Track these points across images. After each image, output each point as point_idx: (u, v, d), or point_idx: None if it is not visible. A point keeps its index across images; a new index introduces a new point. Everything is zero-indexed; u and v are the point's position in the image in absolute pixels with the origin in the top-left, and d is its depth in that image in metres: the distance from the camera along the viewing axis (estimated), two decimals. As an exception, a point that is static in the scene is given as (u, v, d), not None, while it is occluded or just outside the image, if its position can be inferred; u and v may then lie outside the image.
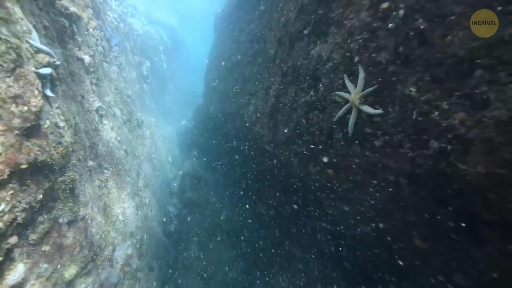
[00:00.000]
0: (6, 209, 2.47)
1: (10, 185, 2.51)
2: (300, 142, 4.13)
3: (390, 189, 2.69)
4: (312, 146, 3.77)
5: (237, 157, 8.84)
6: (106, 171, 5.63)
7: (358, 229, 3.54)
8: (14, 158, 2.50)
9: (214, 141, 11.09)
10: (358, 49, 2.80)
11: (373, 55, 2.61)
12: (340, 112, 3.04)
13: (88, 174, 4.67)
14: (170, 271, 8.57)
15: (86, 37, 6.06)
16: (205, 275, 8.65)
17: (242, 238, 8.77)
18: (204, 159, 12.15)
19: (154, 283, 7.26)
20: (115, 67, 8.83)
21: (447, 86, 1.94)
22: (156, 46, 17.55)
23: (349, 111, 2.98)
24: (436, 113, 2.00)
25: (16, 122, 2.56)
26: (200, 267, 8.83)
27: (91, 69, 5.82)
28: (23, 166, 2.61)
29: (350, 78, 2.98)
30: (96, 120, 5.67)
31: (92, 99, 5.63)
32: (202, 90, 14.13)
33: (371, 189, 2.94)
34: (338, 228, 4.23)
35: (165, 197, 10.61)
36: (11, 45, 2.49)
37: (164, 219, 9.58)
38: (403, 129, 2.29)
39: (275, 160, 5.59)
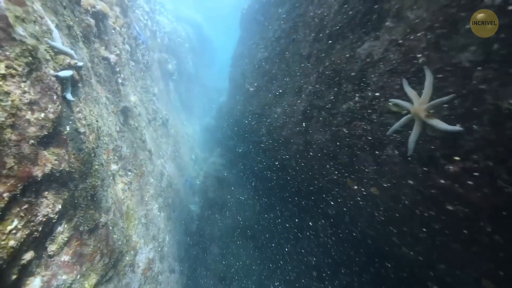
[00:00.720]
0: (20, 225, 2.29)
1: (25, 199, 2.33)
2: (338, 154, 3.61)
3: (460, 227, 2.12)
4: (354, 162, 3.24)
5: (260, 158, 8.45)
6: (129, 173, 5.52)
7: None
8: (29, 170, 2.30)
9: (237, 141, 10.81)
10: (426, 47, 2.23)
11: (449, 54, 2.03)
12: (397, 125, 2.48)
13: (111, 178, 4.54)
14: (191, 272, 8.48)
15: (113, 35, 5.96)
16: (225, 278, 8.46)
17: (263, 242, 8.43)
18: (227, 158, 11.94)
19: (175, 285, 7.17)
20: (142, 65, 8.80)
21: None
22: (183, 44, 17.61)
23: (407, 124, 2.42)
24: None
25: (32, 130, 2.35)
26: (221, 269, 8.66)
27: (117, 69, 5.71)
28: (39, 179, 2.41)
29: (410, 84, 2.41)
30: (121, 121, 5.57)
31: (117, 100, 5.53)
32: (226, 87, 13.90)
33: (433, 222, 2.37)
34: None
35: (187, 196, 10.56)
36: (26, 46, 2.28)
37: (186, 219, 9.51)
38: (496, 155, 1.71)
39: (304, 169, 5.10)
